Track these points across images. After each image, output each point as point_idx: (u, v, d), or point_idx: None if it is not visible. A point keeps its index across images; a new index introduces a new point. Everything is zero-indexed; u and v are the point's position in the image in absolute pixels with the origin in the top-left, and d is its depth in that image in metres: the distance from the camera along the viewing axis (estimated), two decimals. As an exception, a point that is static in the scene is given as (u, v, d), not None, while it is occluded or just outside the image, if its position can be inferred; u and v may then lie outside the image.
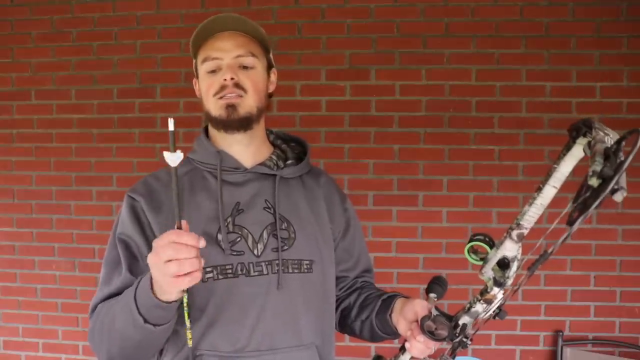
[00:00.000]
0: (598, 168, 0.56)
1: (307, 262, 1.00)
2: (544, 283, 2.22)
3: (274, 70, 1.08)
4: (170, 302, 0.78)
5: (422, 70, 2.23)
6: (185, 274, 0.72)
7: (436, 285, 0.91)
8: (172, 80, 2.30)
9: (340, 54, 2.25)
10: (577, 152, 0.65)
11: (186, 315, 0.78)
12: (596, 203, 0.57)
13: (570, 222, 0.59)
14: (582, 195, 0.59)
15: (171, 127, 0.70)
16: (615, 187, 0.56)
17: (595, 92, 2.18)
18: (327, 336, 1.04)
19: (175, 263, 0.71)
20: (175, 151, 0.70)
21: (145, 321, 0.80)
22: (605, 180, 0.56)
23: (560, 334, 2.20)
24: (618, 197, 0.56)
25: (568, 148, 0.66)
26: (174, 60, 2.29)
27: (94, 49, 2.35)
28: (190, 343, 0.81)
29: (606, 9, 2.16)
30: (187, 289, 0.77)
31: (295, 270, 0.98)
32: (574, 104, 2.19)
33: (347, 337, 2.24)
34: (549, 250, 0.66)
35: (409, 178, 2.26)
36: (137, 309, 0.80)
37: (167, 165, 1.03)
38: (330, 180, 1.16)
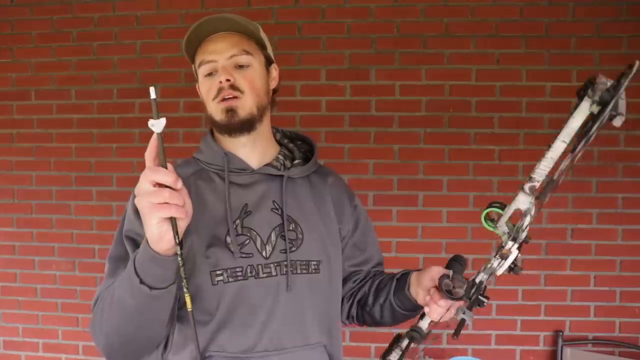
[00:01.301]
0: (597, 97, 0.61)
1: (315, 262, 1.00)
2: (544, 283, 2.22)
3: (274, 65, 1.07)
4: (164, 255, 0.76)
5: (422, 70, 2.23)
6: (167, 204, 0.72)
7: (456, 262, 0.93)
8: (172, 80, 2.30)
9: (340, 54, 2.25)
10: (585, 107, 0.68)
11: (182, 273, 0.78)
12: (596, 126, 0.61)
13: (572, 150, 0.65)
14: (585, 127, 0.64)
15: (153, 95, 0.72)
16: (614, 112, 0.60)
17: (595, 92, 2.18)
18: (334, 335, 1.05)
19: (155, 188, 0.72)
20: (158, 118, 0.72)
21: (142, 282, 0.79)
22: (604, 105, 0.61)
23: (560, 334, 2.20)
24: (617, 122, 0.61)
25: (578, 103, 0.69)
26: (174, 60, 2.29)
27: (94, 49, 2.35)
28: (189, 307, 0.80)
29: (606, 9, 2.16)
30: (179, 243, 0.76)
31: (304, 271, 0.98)
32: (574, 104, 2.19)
33: (347, 336, 2.24)
34: (555, 177, 0.70)
35: (409, 178, 2.26)
36: (135, 268, 0.79)
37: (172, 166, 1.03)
38: (338, 180, 1.16)
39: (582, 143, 0.63)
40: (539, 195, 0.73)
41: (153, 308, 0.83)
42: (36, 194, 2.41)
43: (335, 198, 1.11)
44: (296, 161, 1.09)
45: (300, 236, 1.00)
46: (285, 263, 0.96)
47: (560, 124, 2.06)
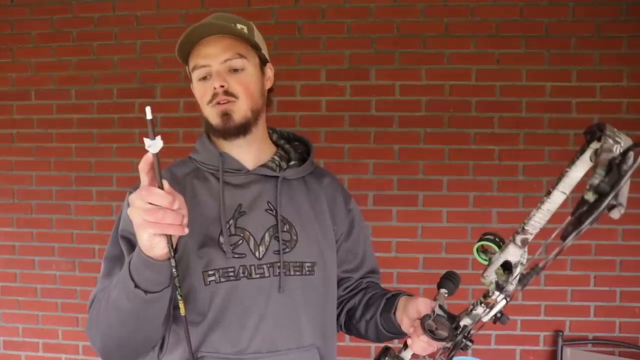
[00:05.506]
0: (596, 182, 0.53)
1: (309, 264, 1.00)
2: (544, 283, 2.22)
3: (269, 65, 1.06)
4: (158, 261, 0.77)
5: (422, 70, 2.23)
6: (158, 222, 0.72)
7: (448, 280, 0.91)
8: (172, 80, 2.30)
9: (340, 54, 2.25)
10: (588, 157, 0.62)
11: (176, 282, 0.80)
12: (589, 220, 0.54)
13: (564, 237, 0.57)
14: (579, 210, 0.56)
15: (149, 115, 0.72)
16: (613, 202, 0.52)
17: (595, 92, 2.18)
18: (329, 337, 1.04)
19: (150, 205, 0.72)
20: (154, 138, 0.72)
21: (136, 286, 0.79)
22: (601, 195, 0.53)
23: (560, 334, 2.20)
24: (615, 214, 0.53)
25: (581, 152, 0.62)
26: (174, 60, 2.25)
27: (94, 49, 2.35)
28: (183, 312, 0.82)
29: (606, 9, 2.16)
30: (174, 255, 0.77)
31: (297, 273, 0.98)
32: (574, 104, 2.19)
33: (347, 337, 2.24)
34: (540, 265, 0.65)
35: (409, 178, 2.26)
36: (130, 273, 0.80)
37: (168, 166, 1.03)
38: (333, 181, 1.15)
39: (574, 234, 0.56)
40: (521, 278, 0.69)
41: (148, 311, 0.84)
42: (36, 194, 2.41)
43: (330, 198, 1.10)
44: (292, 162, 1.08)
45: (294, 237, 0.99)
46: (278, 264, 0.96)
47: (560, 124, 2.05)
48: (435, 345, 0.84)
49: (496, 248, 0.74)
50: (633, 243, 2.19)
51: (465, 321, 0.80)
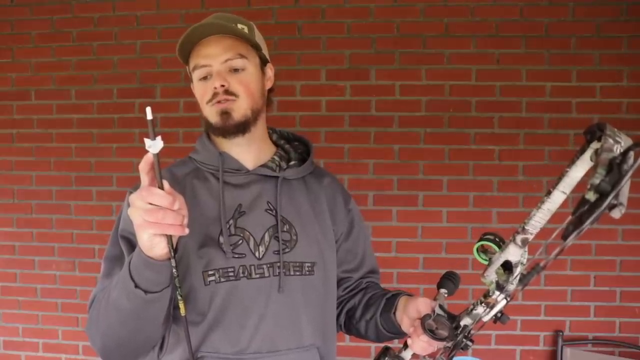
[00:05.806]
0: (597, 181, 0.53)
1: (309, 264, 1.00)
2: (544, 283, 2.22)
3: (269, 65, 1.06)
4: (158, 261, 0.77)
5: (422, 70, 2.23)
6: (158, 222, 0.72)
7: (448, 280, 0.91)
8: (172, 80, 2.30)
9: (340, 54, 2.25)
10: (588, 157, 0.62)
11: (176, 283, 0.80)
12: (590, 219, 0.54)
13: (565, 236, 0.57)
14: (580, 209, 0.56)
15: (149, 115, 0.71)
16: (614, 202, 0.53)
17: (595, 92, 2.18)
18: (329, 337, 1.05)
19: (150, 206, 0.72)
20: (154, 138, 0.71)
21: (136, 286, 0.79)
22: (602, 195, 0.53)
23: (560, 334, 2.20)
24: (616, 213, 0.53)
25: (582, 151, 0.62)
26: (174, 60, 2.26)
27: (94, 49, 2.35)
28: (183, 312, 0.82)
29: (606, 9, 2.16)
30: (174, 255, 0.77)
31: (297, 273, 0.98)
32: (574, 104, 2.19)
33: (347, 337, 2.24)
34: (541, 265, 0.65)
35: (409, 178, 2.26)
36: (130, 273, 0.80)
37: (168, 166, 1.03)
38: (333, 181, 1.15)
39: (575, 234, 0.56)
40: (522, 278, 0.69)
41: (148, 311, 0.84)
42: (36, 194, 2.41)
43: (330, 198, 1.10)
44: (292, 162, 1.08)
45: (294, 237, 1.00)
46: (278, 264, 0.96)
47: (560, 124, 2.05)
48: (436, 345, 0.84)
49: (496, 248, 0.73)
50: (633, 243, 2.19)
51: (465, 321, 0.80)
